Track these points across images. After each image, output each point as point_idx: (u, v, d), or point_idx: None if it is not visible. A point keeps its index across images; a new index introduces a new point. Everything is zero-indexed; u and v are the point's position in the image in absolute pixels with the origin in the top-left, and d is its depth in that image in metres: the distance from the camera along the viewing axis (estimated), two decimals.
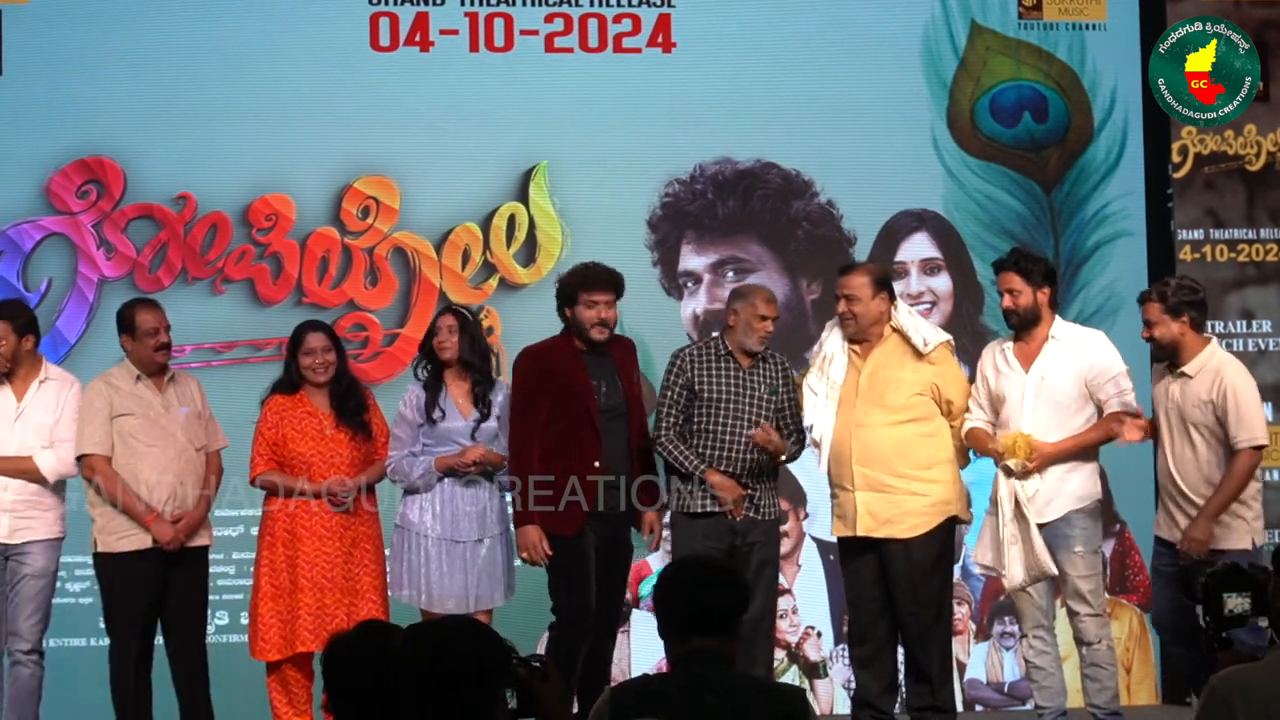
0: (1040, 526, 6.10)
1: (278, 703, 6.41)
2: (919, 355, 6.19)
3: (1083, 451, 6.16)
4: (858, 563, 6.25)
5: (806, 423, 6.34)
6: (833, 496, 6.31)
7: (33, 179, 7.60)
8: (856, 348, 6.25)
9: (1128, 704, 7.83)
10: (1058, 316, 6.31)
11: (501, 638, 3.15)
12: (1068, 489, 6.12)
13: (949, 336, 6.38)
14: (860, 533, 6.16)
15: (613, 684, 5.51)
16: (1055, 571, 6.08)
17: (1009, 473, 6.09)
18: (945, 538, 6.22)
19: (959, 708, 7.76)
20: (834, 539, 6.42)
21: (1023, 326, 6.24)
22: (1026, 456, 6.07)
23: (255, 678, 6.52)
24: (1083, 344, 6.23)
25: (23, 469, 6.36)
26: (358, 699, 3.30)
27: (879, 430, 6.14)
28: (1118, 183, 8.10)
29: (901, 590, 6.14)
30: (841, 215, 7.97)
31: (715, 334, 6.72)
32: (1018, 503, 6.08)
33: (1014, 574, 6.08)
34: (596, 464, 6.19)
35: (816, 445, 6.31)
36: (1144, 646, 7.94)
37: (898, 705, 6.47)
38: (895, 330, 6.24)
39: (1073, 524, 6.11)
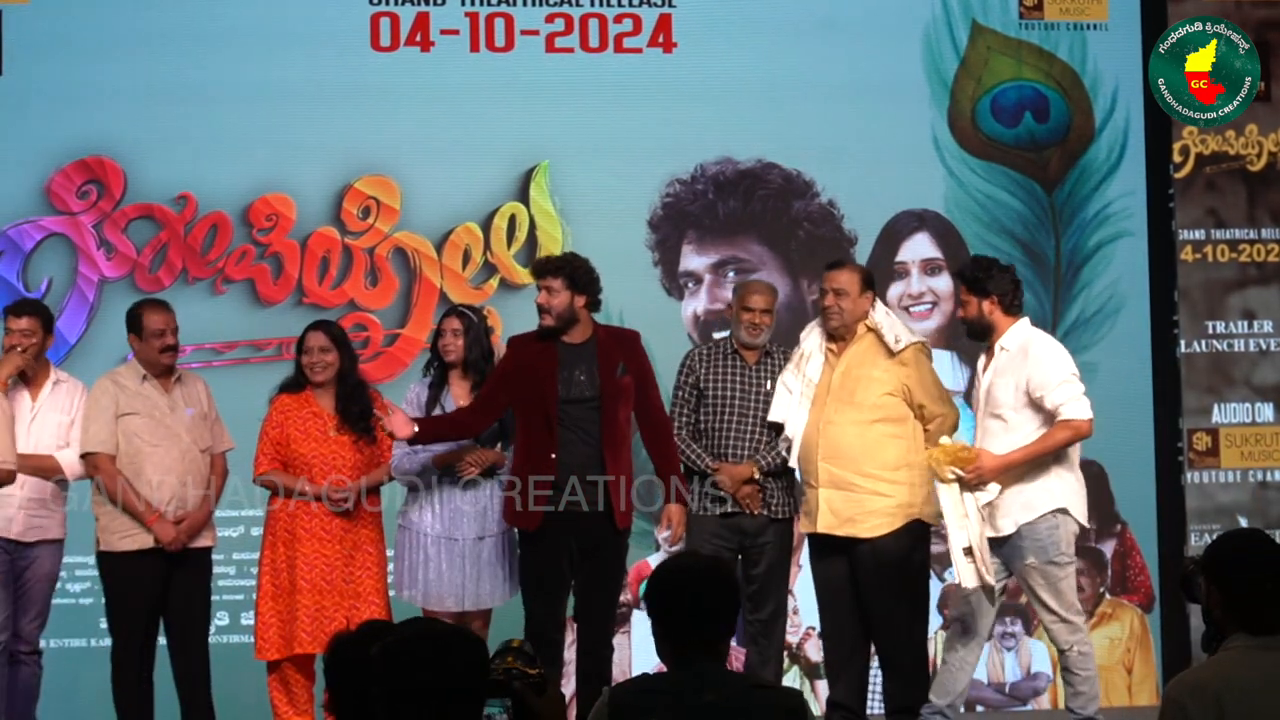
0: (999, 541, 6.05)
1: (278, 703, 6.40)
2: (891, 355, 6.18)
3: (1037, 461, 6.02)
4: (826, 562, 6.25)
5: (777, 418, 6.34)
6: (802, 494, 6.33)
7: (33, 179, 7.59)
8: (833, 345, 6.26)
9: (1129, 704, 7.85)
10: (1019, 323, 6.14)
11: (485, 648, 3.10)
12: (1020, 500, 6.04)
13: (924, 339, 6.37)
14: (821, 529, 6.15)
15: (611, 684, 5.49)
16: (992, 583, 6.01)
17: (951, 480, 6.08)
18: (912, 539, 6.17)
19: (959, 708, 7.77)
20: None
21: (975, 336, 6.23)
22: (949, 463, 6.01)
23: (256, 678, 6.52)
24: (1025, 354, 6.08)
25: (46, 467, 6.36)
26: (359, 699, 3.30)
27: (847, 428, 6.12)
28: (1119, 183, 8.10)
29: (870, 590, 6.12)
30: (842, 215, 7.97)
31: (728, 333, 6.72)
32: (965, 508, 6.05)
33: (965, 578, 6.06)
34: (553, 455, 6.06)
35: (789, 442, 6.30)
36: (1145, 647, 7.93)
37: (879, 704, 6.49)
38: (871, 330, 6.24)
39: (1023, 537, 6.02)
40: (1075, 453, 6.14)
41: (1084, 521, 6.16)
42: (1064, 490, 6.06)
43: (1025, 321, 6.20)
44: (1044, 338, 6.24)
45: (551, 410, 6.07)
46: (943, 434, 6.23)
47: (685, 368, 6.54)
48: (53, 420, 6.42)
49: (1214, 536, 7.81)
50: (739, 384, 6.47)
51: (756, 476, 6.37)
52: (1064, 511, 6.04)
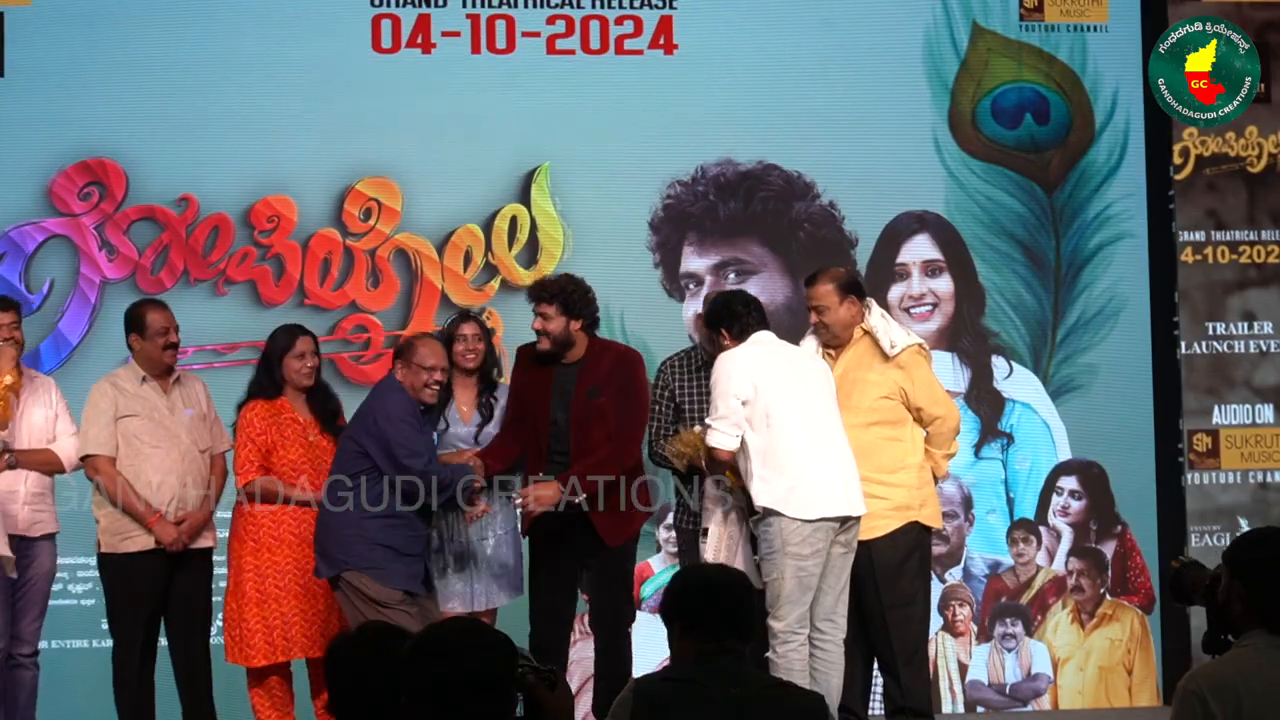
0: None
1: (261, 708, 6.35)
2: (887, 358, 6.18)
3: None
4: None
5: None
6: None
7: (35, 180, 7.60)
8: (831, 350, 6.26)
9: (1129, 705, 7.86)
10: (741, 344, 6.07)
11: (513, 645, 3.13)
12: None
13: (920, 341, 6.35)
14: None
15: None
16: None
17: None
18: (911, 540, 6.15)
19: (959, 709, 7.79)
20: None
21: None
22: (690, 451, 6.09)
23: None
24: None
25: (46, 461, 6.38)
26: (361, 700, 3.31)
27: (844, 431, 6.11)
28: (1119, 184, 8.11)
29: (868, 592, 6.11)
30: (843, 217, 7.98)
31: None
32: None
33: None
34: (540, 474, 6.16)
35: None
36: (1145, 648, 7.94)
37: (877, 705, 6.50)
38: (867, 333, 6.24)
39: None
40: (790, 450, 5.91)
41: (800, 516, 5.85)
42: (765, 493, 5.90)
43: (746, 342, 6.04)
44: (721, 359, 6.06)
45: (542, 430, 6.20)
46: (944, 437, 6.23)
47: (660, 381, 6.52)
48: (40, 415, 6.43)
49: (1214, 538, 7.89)
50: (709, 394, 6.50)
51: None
52: (772, 512, 5.89)
